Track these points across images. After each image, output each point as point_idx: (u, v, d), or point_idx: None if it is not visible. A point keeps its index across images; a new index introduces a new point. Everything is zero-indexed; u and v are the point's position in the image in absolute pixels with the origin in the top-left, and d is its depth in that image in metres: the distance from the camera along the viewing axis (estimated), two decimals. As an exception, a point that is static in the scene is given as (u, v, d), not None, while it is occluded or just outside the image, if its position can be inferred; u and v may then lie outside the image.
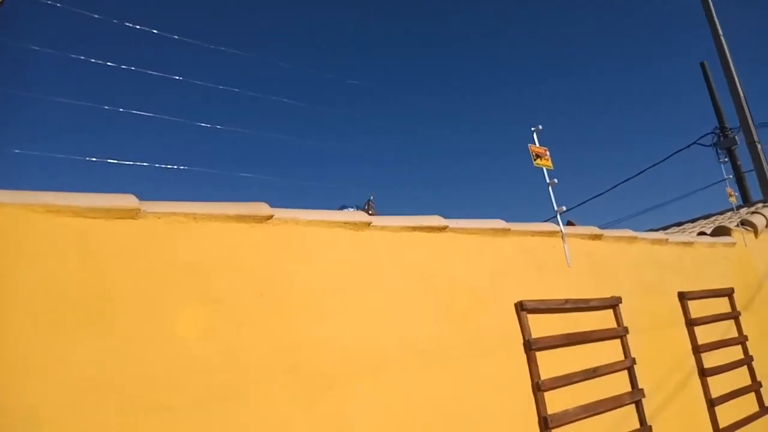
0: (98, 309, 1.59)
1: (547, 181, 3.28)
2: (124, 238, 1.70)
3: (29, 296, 1.50)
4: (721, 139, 13.77)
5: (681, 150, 14.53)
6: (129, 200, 1.72)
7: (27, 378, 1.44)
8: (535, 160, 3.29)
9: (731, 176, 5.17)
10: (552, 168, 3.32)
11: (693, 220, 8.25)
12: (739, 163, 13.30)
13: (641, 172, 14.35)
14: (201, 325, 1.77)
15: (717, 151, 14.19)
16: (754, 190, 12.06)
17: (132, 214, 1.72)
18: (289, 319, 1.97)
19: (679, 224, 8.35)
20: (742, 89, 9.99)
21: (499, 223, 2.87)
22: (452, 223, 2.65)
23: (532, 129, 3.38)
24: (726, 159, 13.98)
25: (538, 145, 3.34)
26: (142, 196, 1.79)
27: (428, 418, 2.25)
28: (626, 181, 14.48)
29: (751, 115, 9.77)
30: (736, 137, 12.84)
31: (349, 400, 2.02)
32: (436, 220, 2.58)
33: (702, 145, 14.42)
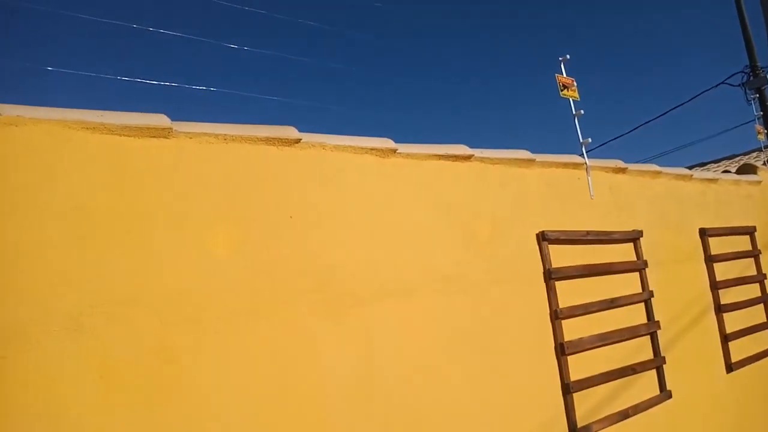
0: (132, 224, 1.64)
1: (573, 112, 3.23)
2: (156, 156, 1.72)
3: (65, 210, 1.54)
4: (751, 78, 13.30)
5: (708, 90, 14.07)
6: (161, 119, 1.73)
7: (67, 289, 1.50)
8: (561, 90, 3.23)
9: (760, 113, 4.99)
10: (578, 99, 3.26)
11: (717, 161, 8.14)
12: (768, 103, 12.89)
13: (666, 113, 13.98)
14: (231, 243, 1.81)
15: (746, 91, 13.74)
16: (783, 132, 11.72)
17: (164, 133, 1.74)
18: (318, 240, 2.01)
19: (702, 164, 8.23)
20: (778, 24, 9.54)
21: (523, 154, 2.85)
22: (477, 152, 2.64)
23: (560, 59, 3.30)
24: (756, 96, 13.54)
25: (565, 75, 3.27)
26: (172, 118, 1.80)
27: (448, 338, 2.33)
28: (650, 121, 14.15)
29: (785, 52, 9.37)
30: (767, 76, 12.35)
31: (374, 319, 2.09)
32: (461, 149, 2.58)
33: (730, 84, 13.93)
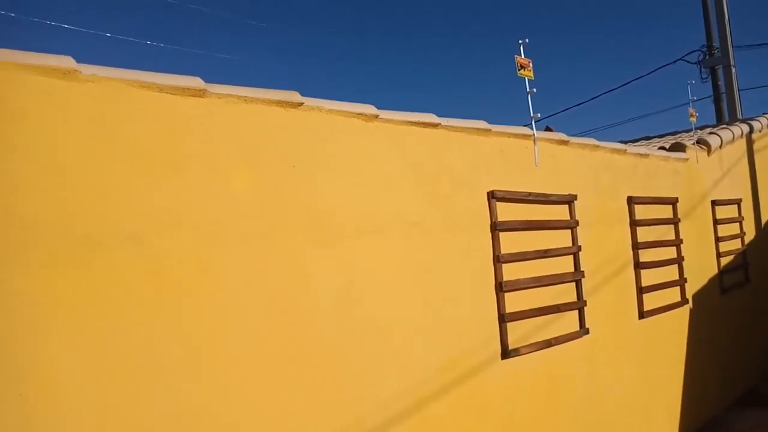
0: (176, 164, 2.12)
1: (527, 90, 3.76)
2: (194, 111, 2.19)
3: (128, 150, 2.01)
4: (707, 57, 14.10)
5: (666, 65, 14.91)
6: (197, 82, 2.19)
7: (130, 211, 1.98)
8: (519, 70, 3.75)
9: (695, 98, 5.60)
10: (533, 78, 3.79)
11: (660, 136, 8.83)
12: (719, 82, 13.73)
13: (624, 84, 14.81)
14: (249, 184, 2.31)
15: (701, 70, 14.57)
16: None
17: (200, 93, 2.19)
18: (314, 186, 2.52)
19: (647, 138, 8.93)
20: (727, 9, 10.25)
21: (482, 124, 3.39)
22: (444, 121, 3.16)
23: (519, 42, 3.80)
24: (707, 78, 14.43)
25: (523, 56, 3.79)
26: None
27: (411, 270, 2.90)
28: (609, 92, 14.94)
29: (731, 38, 10.11)
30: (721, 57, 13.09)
31: (355, 249, 2.64)
32: (431, 118, 3.09)
33: (687, 62, 14.75)
